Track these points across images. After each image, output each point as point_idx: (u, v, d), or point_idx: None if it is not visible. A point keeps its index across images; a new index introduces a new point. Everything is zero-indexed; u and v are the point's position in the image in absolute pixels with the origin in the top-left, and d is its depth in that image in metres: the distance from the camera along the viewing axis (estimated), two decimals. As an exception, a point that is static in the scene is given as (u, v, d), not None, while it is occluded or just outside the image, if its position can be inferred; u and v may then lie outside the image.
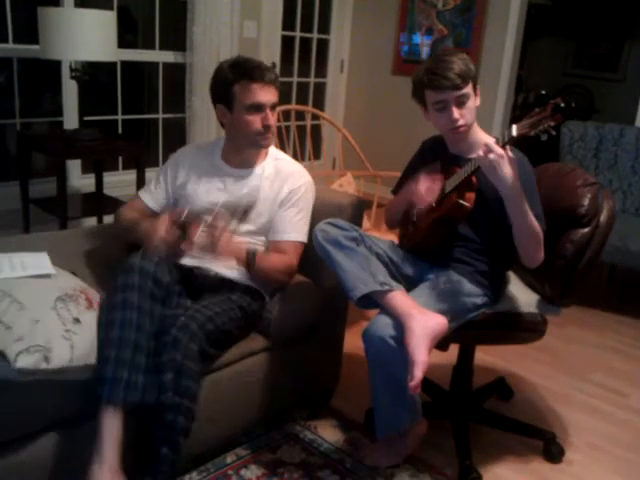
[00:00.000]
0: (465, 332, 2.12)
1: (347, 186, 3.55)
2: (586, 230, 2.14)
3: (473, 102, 2.08)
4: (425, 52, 5.51)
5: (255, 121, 2.15)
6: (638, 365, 3.21)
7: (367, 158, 3.75)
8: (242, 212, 2.16)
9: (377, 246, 2.19)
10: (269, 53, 5.03)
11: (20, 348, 1.56)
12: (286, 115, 3.59)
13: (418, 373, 1.81)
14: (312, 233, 2.14)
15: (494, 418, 2.52)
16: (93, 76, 3.74)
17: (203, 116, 4.39)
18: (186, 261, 2.15)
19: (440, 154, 2.22)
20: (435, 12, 5.39)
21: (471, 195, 2.03)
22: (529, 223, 1.95)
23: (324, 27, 5.77)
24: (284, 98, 5.19)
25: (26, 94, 4.01)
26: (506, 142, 1.86)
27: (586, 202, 2.16)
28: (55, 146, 3.41)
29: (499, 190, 1.91)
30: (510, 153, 1.87)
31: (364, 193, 3.59)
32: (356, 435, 2.39)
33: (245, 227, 2.23)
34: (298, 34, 5.52)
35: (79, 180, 4.13)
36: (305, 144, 4.27)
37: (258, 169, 2.29)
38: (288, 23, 5.33)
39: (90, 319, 1.79)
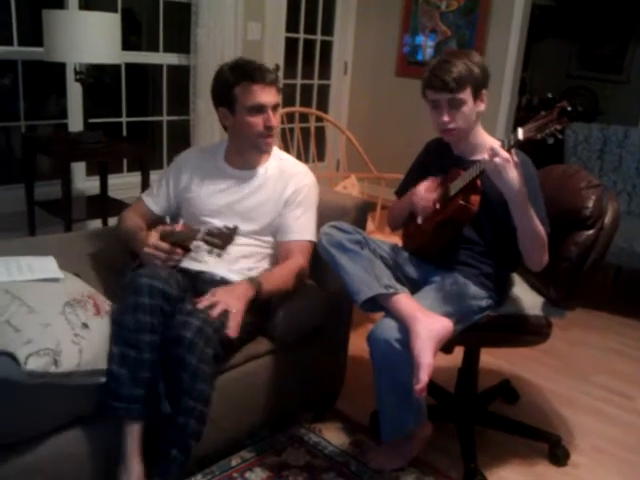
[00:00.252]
0: (470, 335, 2.12)
1: (351, 188, 3.55)
2: (591, 232, 2.14)
3: (470, 108, 2.06)
4: (429, 54, 5.51)
5: (257, 122, 2.15)
6: (643, 367, 3.21)
7: (371, 160, 3.75)
8: (226, 237, 2.02)
9: (381, 249, 2.19)
10: (273, 55, 5.03)
11: (30, 351, 1.56)
12: (290, 117, 3.60)
13: (424, 376, 1.81)
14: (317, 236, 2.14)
15: (499, 421, 2.52)
16: (97, 78, 3.75)
17: (207, 118, 4.39)
18: (191, 265, 2.15)
19: (444, 155, 2.23)
20: (439, 13, 5.39)
21: (476, 198, 2.03)
22: (534, 227, 1.95)
23: (328, 29, 5.77)
24: (288, 100, 5.20)
25: (31, 97, 4.02)
26: (512, 145, 1.86)
27: (590, 204, 2.15)
28: (60, 148, 3.42)
29: (504, 194, 1.90)
30: (516, 157, 1.87)
31: (368, 195, 3.58)
32: (361, 438, 2.39)
33: (248, 227, 2.23)
34: (302, 36, 5.52)
35: (84, 182, 4.13)
36: (309, 146, 4.27)
37: (261, 170, 2.29)
38: (292, 25, 5.33)
39: (98, 325, 1.79)
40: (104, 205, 3.81)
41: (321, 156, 5.14)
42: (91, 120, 3.65)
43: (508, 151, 1.86)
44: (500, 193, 1.96)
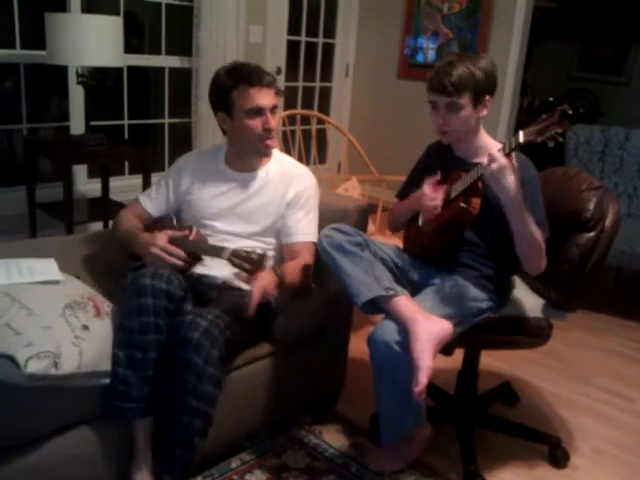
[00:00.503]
0: (470, 336, 2.12)
1: (352, 190, 3.55)
2: (591, 234, 2.14)
3: (469, 113, 2.06)
4: (430, 56, 5.51)
5: (256, 125, 2.15)
6: (644, 369, 3.21)
7: (372, 162, 3.76)
8: (255, 263, 2.01)
9: (382, 251, 2.20)
10: (275, 58, 5.05)
11: (30, 353, 1.56)
12: (291, 119, 3.61)
13: (423, 378, 1.81)
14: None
15: (499, 423, 2.52)
16: (99, 81, 3.76)
17: (209, 121, 4.39)
18: (195, 269, 2.13)
19: (445, 157, 2.23)
20: (440, 16, 5.40)
21: (477, 200, 2.03)
22: (530, 233, 1.96)
23: (329, 31, 5.78)
24: (290, 102, 5.21)
25: (33, 99, 4.03)
26: (513, 148, 1.86)
27: (591, 206, 2.16)
28: (61, 151, 3.43)
29: (501, 200, 1.91)
30: (515, 162, 1.87)
31: (369, 197, 3.59)
32: (361, 440, 2.39)
33: (251, 229, 2.24)
34: (304, 39, 5.53)
35: (85, 185, 4.14)
36: (310, 148, 4.27)
37: (262, 172, 2.29)
38: (293, 28, 5.34)
39: (98, 327, 1.80)
40: (105, 208, 3.82)
41: (322, 158, 5.15)
42: (93, 123, 3.66)
43: (508, 155, 1.87)
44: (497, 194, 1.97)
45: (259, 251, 2.02)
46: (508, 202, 1.91)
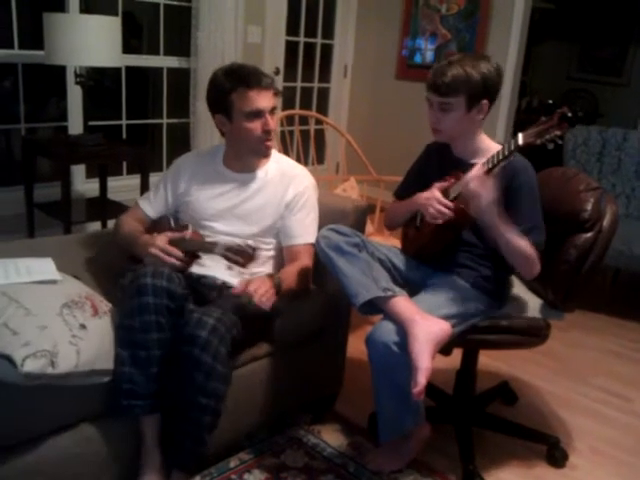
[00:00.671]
0: (469, 337, 2.12)
1: (350, 191, 3.55)
2: (589, 235, 2.15)
3: (460, 115, 2.07)
4: (429, 57, 5.52)
5: (255, 128, 2.15)
6: (642, 369, 3.21)
7: (370, 163, 3.76)
8: (248, 256, 2.01)
9: (380, 251, 2.20)
10: (273, 58, 5.05)
11: (27, 353, 1.56)
12: (290, 120, 3.60)
13: (422, 379, 1.81)
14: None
15: (497, 422, 2.52)
16: (98, 81, 3.76)
17: (207, 121, 4.38)
18: (193, 269, 2.14)
19: (445, 156, 2.23)
20: (439, 17, 5.40)
21: None
22: (515, 246, 1.99)
23: (328, 32, 5.78)
24: (288, 103, 5.21)
25: (31, 99, 4.04)
26: (512, 151, 1.87)
27: (589, 207, 2.16)
28: (60, 151, 3.43)
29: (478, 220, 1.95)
30: (491, 182, 1.88)
31: (367, 198, 3.59)
32: (359, 439, 2.39)
33: (250, 230, 2.24)
34: (302, 39, 5.53)
35: (83, 185, 4.14)
36: (308, 149, 4.27)
37: (261, 172, 2.29)
38: (292, 28, 5.34)
39: (95, 326, 1.79)
40: (103, 207, 3.82)
41: (321, 159, 5.15)
42: (91, 123, 3.66)
43: (506, 157, 1.88)
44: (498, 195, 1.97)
45: (250, 243, 2.03)
46: (482, 222, 1.96)
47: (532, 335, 2.22)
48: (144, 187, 3.64)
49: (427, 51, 5.53)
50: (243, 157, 2.27)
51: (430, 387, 2.51)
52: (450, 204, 2.03)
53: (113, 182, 4.05)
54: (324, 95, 5.94)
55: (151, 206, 2.33)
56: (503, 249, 2.01)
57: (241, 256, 1.97)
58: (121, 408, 1.81)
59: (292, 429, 2.41)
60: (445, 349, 2.08)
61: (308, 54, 5.64)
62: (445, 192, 2.08)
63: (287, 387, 2.29)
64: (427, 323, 1.90)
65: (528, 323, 2.21)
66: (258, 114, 2.13)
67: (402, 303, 1.97)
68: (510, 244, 1.98)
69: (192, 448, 1.88)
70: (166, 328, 1.86)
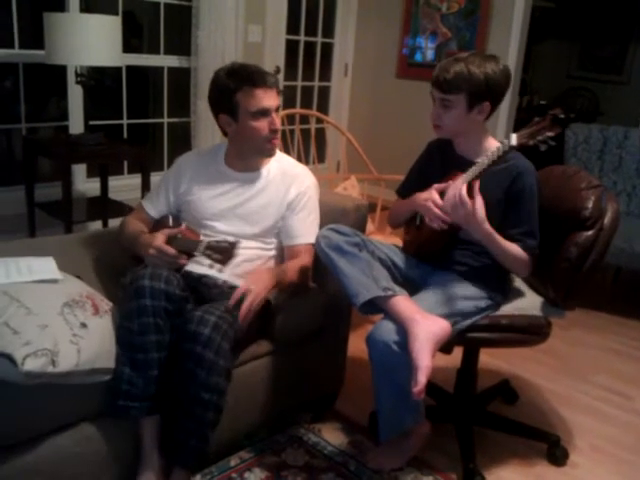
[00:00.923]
0: (469, 335, 2.12)
1: (351, 189, 3.56)
2: (590, 233, 2.14)
3: (460, 113, 2.07)
4: (429, 55, 5.52)
5: (262, 127, 2.14)
6: (643, 368, 3.21)
7: (371, 161, 3.76)
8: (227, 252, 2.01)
9: (380, 250, 2.20)
10: (273, 57, 5.05)
11: (28, 352, 1.57)
12: (290, 119, 3.61)
13: (422, 378, 1.81)
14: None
15: (498, 421, 2.53)
16: (98, 81, 3.76)
17: (208, 120, 4.39)
18: (194, 268, 2.13)
19: (447, 154, 2.23)
20: (439, 15, 5.40)
21: (471, 202, 2.03)
22: (507, 254, 2.04)
23: (328, 31, 5.78)
24: (289, 102, 5.21)
25: (32, 99, 4.04)
26: (506, 151, 1.88)
27: (590, 205, 2.16)
28: (60, 150, 3.43)
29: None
30: (480, 200, 1.91)
31: (368, 196, 3.59)
32: (360, 438, 2.39)
33: (251, 230, 2.24)
34: (302, 38, 5.53)
35: (84, 184, 4.14)
36: (309, 148, 4.28)
37: (263, 172, 2.29)
38: (292, 27, 5.34)
39: (96, 325, 1.80)
40: (104, 207, 3.82)
41: (321, 158, 5.15)
42: (92, 122, 3.67)
43: (500, 158, 1.88)
44: (497, 194, 1.97)
45: (231, 239, 2.02)
46: (476, 236, 2.01)
47: (533, 333, 2.22)
48: (145, 186, 3.64)
49: (427, 50, 5.53)
50: (246, 156, 2.26)
51: (431, 386, 2.50)
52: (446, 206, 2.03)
53: (114, 181, 4.05)
54: (325, 94, 5.93)
55: (153, 206, 2.33)
56: (493, 254, 2.06)
57: (221, 254, 1.97)
58: (118, 408, 1.81)
59: (292, 428, 2.42)
60: (446, 348, 2.08)
61: (308, 53, 5.64)
62: (443, 193, 2.08)
63: (288, 386, 2.29)
64: (427, 322, 1.89)
65: (529, 321, 2.21)
66: (265, 113, 2.13)
67: (402, 302, 1.97)
68: (503, 254, 2.04)
69: (195, 445, 1.89)
70: (164, 330, 1.86)
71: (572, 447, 2.45)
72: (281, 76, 5.17)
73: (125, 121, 4.35)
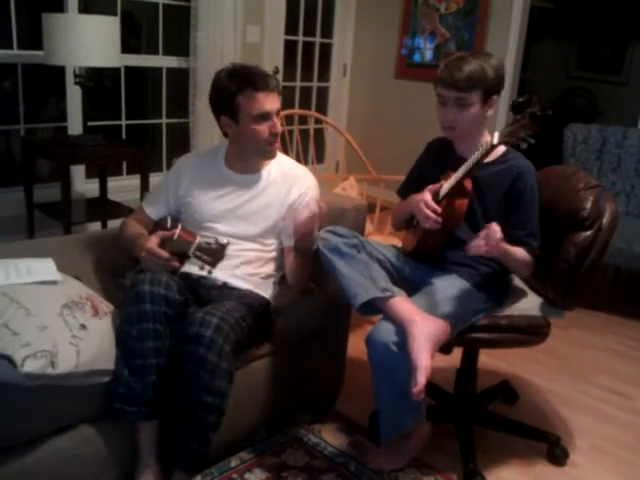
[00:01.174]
0: (468, 335, 2.12)
1: (350, 190, 3.55)
2: (589, 233, 2.14)
3: (477, 110, 2.07)
4: (428, 56, 5.52)
5: (263, 130, 2.14)
6: (642, 367, 3.21)
7: (370, 162, 3.76)
8: (215, 254, 2.02)
9: (378, 251, 2.19)
10: (272, 58, 5.05)
11: (27, 353, 1.57)
12: (289, 119, 3.60)
13: (421, 379, 1.81)
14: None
15: (498, 421, 2.53)
16: (97, 81, 3.76)
17: (207, 121, 4.39)
18: (193, 270, 2.13)
19: (446, 154, 2.23)
20: (438, 16, 5.40)
21: (462, 202, 2.03)
22: (517, 260, 2.04)
23: (327, 31, 5.78)
24: (287, 102, 5.21)
25: (30, 100, 4.04)
26: (489, 149, 1.89)
27: (588, 205, 2.16)
28: (59, 151, 3.43)
29: None
30: (499, 232, 1.86)
31: (367, 197, 3.59)
32: (360, 438, 2.39)
33: (252, 231, 2.23)
34: (301, 38, 5.53)
35: (83, 185, 4.14)
36: (308, 148, 4.27)
37: (264, 173, 2.28)
38: (291, 27, 5.34)
39: (96, 326, 1.80)
40: (103, 208, 3.82)
41: (320, 158, 5.15)
42: (90, 123, 3.67)
43: (483, 157, 1.90)
44: (496, 194, 1.97)
45: (223, 241, 2.01)
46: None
47: (532, 333, 2.22)
48: (144, 187, 3.64)
49: (426, 50, 5.53)
50: (247, 158, 2.26)
51: (431, 386, 2.51)
52: (437, 208, 2.02)
53: (113, 182, 4.05)
54: (323, 94, 5.94)
55: (153, 207, 2.33)
56: (503, 262, 2.07)
57: (210, 255, 1.97)
58: (114, 411, 1.81)
59: (293, 428, 2.42)
60: (445, 348, 2.08)
61: (307, 53, 5.65)
62: (437, 194, 2.08)
63: (288, 386, 2.29)
64: (426, 323, 1.89)
65: (528, 321, 2.21)
66: (266, 116, 2.12)
67: (401, 303, 1.97)
68: (512, 262, 2.05)
69: (196, 448, 1.89)
70: (164, 336, 1.86)
71: (572, 447, 2.45)
72: (280, 76, 5.17)
73: (124, 122, 4.35)
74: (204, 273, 2.08)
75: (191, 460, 1.91)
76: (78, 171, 4.08)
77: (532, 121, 1.77)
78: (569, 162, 4.31)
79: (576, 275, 2.15)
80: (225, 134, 2.27)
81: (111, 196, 3.91)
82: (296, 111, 3.87)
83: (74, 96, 3.92)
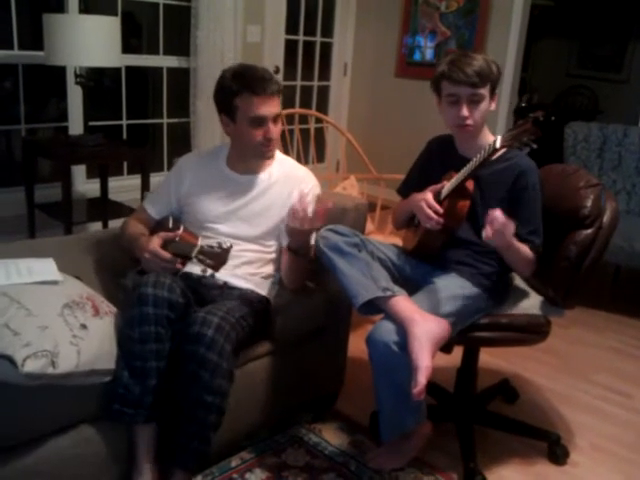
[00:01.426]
0: (469, 334, 2.13)
1: (350, 189, 3.56)
2: (589, 231, 2.14)
3: (487, 105, 2.09)
4: (428, 54, 5.52)
5: (257, 134, 2.14)
6: (643, 366, 3.21)
7: (371, 161, 3.76)
8: (218, 258, 2.01)
9: (379, 250, 2.20)
10: (273, 57, 5.05)
11: (28, 353, 1.57)
12: (290, 119, 3.60)
13: (422, 379, 1.80)
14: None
15: (499, 420, 2.53)
16: (98, 82, 3.76)
17: (207, 120, 4.40)
18: (194, 270, 2.13)
19: (448, 153, 2.23)
20: (438, 14, 5.40)
21: (464, 203, 2.03)
22: (520, 257, 2.03)
23: (327, 30, 5.78)
24: (288, 102, 5.21)
25: (31, 100, 4.04)
26: (491, 152, 1.89)
27: (589, 203, 2.16)
28: (60, 151, 3.43)
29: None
30: (501, 216, 1.87)
31: (368, 196, 3.59)
32: (360, 438, 2.39)
33: (253, 232, 2.23)
34: (301, 38, 5.53)
35: (84, 185, 4.14)
36: (309, 147, 4.28)
37: (265, 175, 2.28)
38: (291, 27, 5.34)
39: (96, 326, 1.80)
40: (104, 208, 3.82)
41: (321, 157, 5.15)
42: (91, 123, 3.67)
43: (486, 160, 1.89)
44: (497, 194, 1.96)
45: (227, 244, 2.00)
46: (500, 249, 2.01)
47: (532, 332, 2.23)
48: (145, 187, 3.64)
49: (427, 49, 5.53)
50: (247, 159, 2.25)
51: (431, 385, 2.50)
52: (439, 209, 2.02)
53: (114, 182, 4.05)
54: (324, 93, 5.94)
55: (154, 207, 2.33)
56: (505, 258, 2.06)
57: (213, 259, 1.97)
58: (112, 412, 1.81)
59: (293, 428, 2.42)
60: (446, 347, 2.08)
61: (308, 53, 5.64)
62: (438, 194, 2.08)
63: (288, 386, 2.29)
64: (427, 322, 1.89)
65: (528, 320, 2.21)
66: (260, 121, 2.12)
67: (401, 302, 1.96)
68: (515, 257, 2.04)
69: (196, 448, 1.89)
70: (165, 339, 1.86)
71: (572, 446, 2.45)
72: (280, 76, 5.17)
73: (125, 122, 4.35)
74: (205, 274, 2.09)
75: (191, 460, 1.91)
76: (79, 171, 4.09)
77: (535, 126, 1.77)
78: (570, 160, 4.31)
79: (576, 274, 2.15)
80: (227, 133, 2.27)
81: (112, 196, 3.91)
82: (297, 110, 3.87)
83: (75, 96, 3.92)
